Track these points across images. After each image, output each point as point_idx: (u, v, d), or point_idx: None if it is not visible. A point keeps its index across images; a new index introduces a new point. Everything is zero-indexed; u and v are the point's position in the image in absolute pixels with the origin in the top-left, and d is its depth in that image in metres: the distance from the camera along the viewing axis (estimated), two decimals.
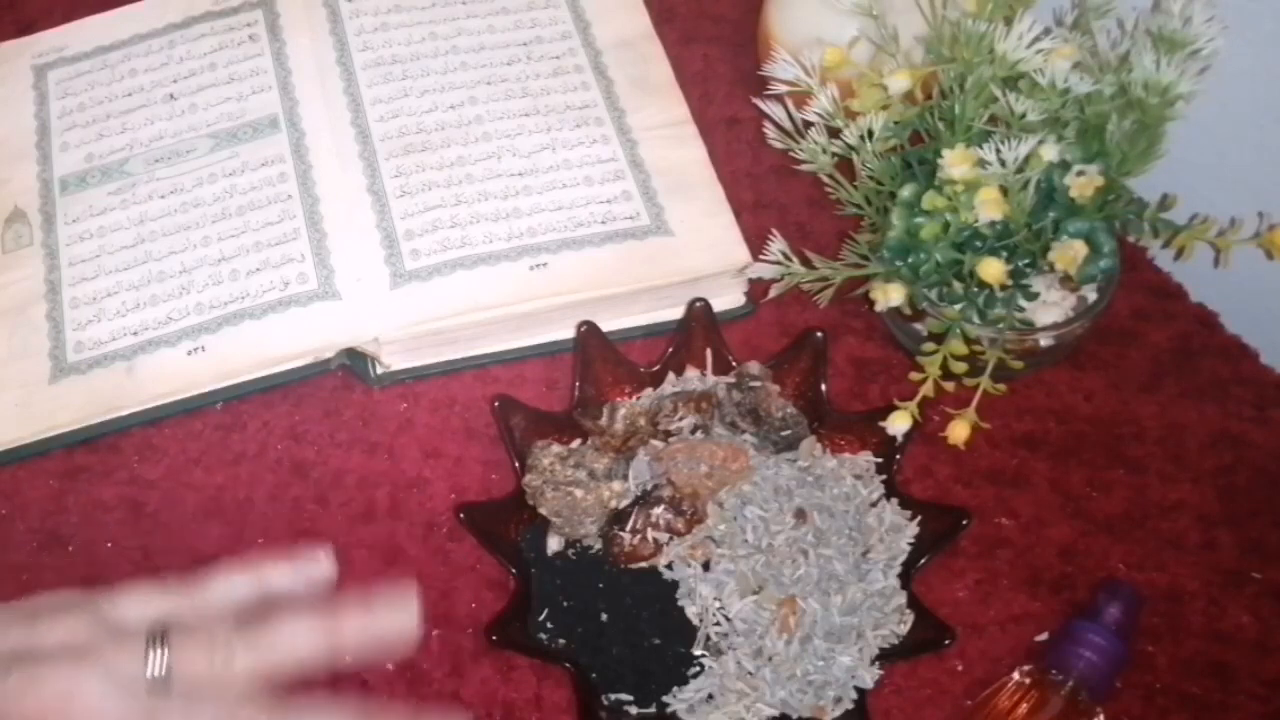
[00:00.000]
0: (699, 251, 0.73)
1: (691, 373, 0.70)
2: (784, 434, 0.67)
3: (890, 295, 0.65)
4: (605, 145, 0.78)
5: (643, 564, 0.64)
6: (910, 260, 0.65)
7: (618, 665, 0.61)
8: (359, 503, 0.68)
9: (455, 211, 0.74)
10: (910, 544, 0.64)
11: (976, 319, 0.66)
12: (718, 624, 0.62)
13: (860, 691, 0.60)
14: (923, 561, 0.63)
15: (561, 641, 0.62)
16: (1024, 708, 0.60)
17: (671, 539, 0.64)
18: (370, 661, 0.58)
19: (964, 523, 0.63)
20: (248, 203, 0.75)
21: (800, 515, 0.64)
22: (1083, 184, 0.62)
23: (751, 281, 0.73)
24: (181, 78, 0.81)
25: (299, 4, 0.84)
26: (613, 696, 0.60)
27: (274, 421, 0.71)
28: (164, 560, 0.66)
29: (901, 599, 0.62)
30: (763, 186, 0.79)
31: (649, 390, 0.70)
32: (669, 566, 0.63)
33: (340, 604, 0.55)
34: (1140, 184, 0.66)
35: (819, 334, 0.69)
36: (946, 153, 0.62)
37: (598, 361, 0.70)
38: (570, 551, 0.65)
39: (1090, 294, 0.67)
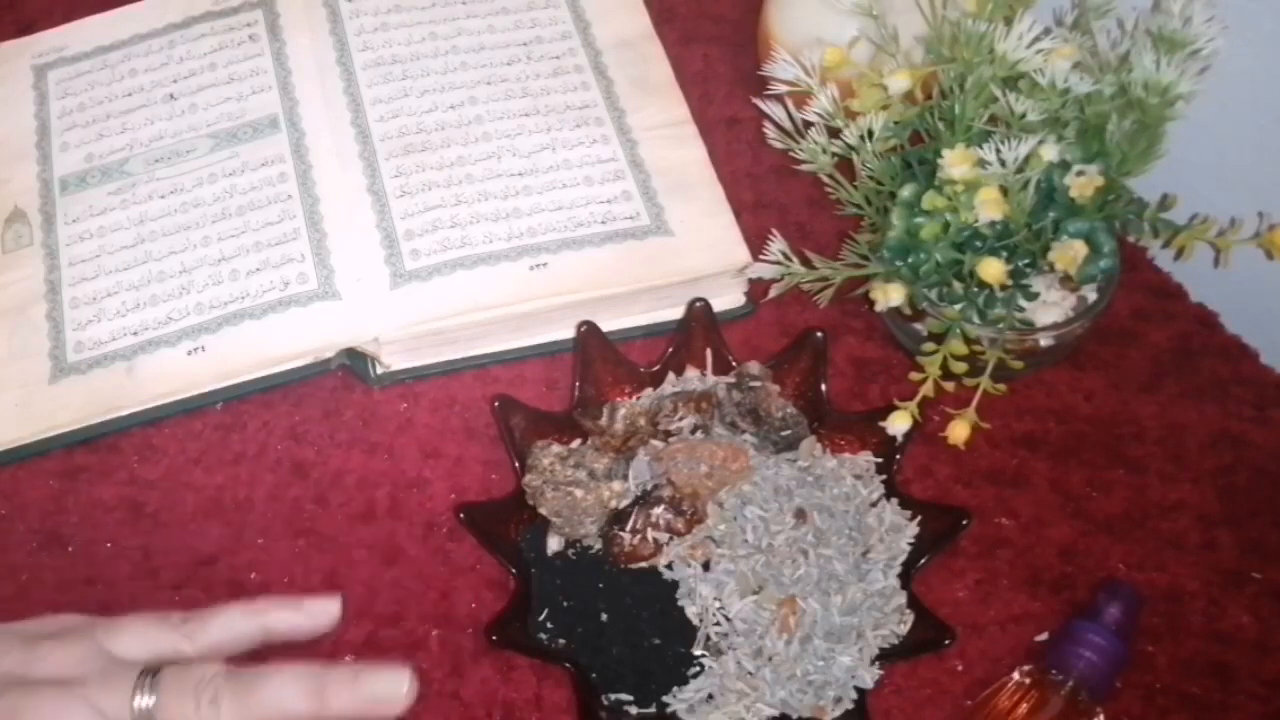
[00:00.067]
0: (699, 251, 0.73)
1: (691, 373, 0.70)
2: (784, 434, 0.67)
3: (890, 295, 0.65)
4: (605, 145, 0.78)
5: (643, 564, 0.64)
6: (910, 260, 0.65)
7: (618, 665, 0.61)
8: (359, 503, 0.68)
9: (455, 211, 0.74)
10: (910, 544, 0.64)
11: (976, 319, 0.66)
12: (718, 624, 0.62)
13: (860, 691, 0.60)
14: (923, 561, 0.63)
15: (561, 641, 0.62)
16: (1024, 708, 0.60)
17: (671, 539, 0.64)
18: None
19: (964, 523, 0.63)
20: (248, 203, 0.75)
21: (800, 515, 0.64)
22: (1083, 184, 0.62)
23: (751, 281, 0.73)
24: (181, 78, 0.81)
25: (299, 4, 0.84)
26: (613, 696, 0.60)
27: (274, 421, 0.71)
28: (164, 560, 0.66)
29: (901, 599, 0.62)
30: (763, 186, 0.79)
31: (649, 390, 0.70)
32: (669, 566, 0.63)
33: (333, 668, 0.56)
34: (1140, 184, 0.66)
35: (819, 334, 0.69)
36: (946, 153, 0.62)
37: (598, 361, 0.69)
38: (570, 551, 0.65)
39: (1090, 294, 0.67)
